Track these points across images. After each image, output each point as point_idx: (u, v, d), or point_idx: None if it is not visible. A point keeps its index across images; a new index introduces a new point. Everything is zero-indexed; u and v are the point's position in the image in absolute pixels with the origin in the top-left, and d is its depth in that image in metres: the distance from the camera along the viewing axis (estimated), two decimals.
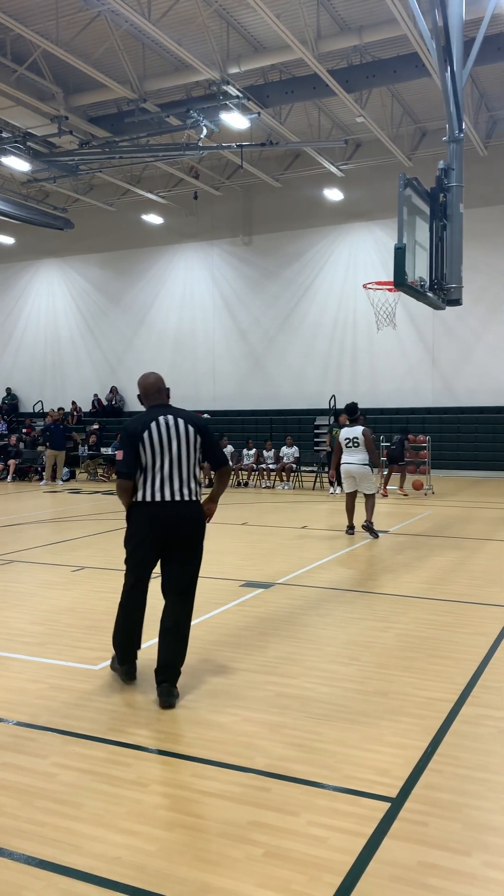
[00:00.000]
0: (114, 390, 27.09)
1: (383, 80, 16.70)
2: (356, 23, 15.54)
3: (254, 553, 9.42)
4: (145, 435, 4.52)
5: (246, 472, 18.82)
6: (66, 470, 19.98)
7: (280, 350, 24.75)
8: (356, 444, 10.43)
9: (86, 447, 21.06)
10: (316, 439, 22.43)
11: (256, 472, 18.71)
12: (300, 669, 5.01)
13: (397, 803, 3.29)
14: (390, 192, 22.09)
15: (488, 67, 17.45)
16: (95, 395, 27.22)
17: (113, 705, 4.40)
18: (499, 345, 21.61)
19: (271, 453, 18.74)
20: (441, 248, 8.85)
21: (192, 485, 4.60)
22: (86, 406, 27.25)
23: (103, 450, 20.52)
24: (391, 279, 8.53)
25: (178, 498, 4.52)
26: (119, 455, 4.59)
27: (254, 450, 18.91)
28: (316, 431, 22.64)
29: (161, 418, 4.58)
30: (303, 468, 18.45)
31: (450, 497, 15.78)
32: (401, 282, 8.07)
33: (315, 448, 20.83)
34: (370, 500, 10.50)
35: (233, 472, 18.58)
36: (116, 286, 27.40)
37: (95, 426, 22.73)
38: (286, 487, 17.97)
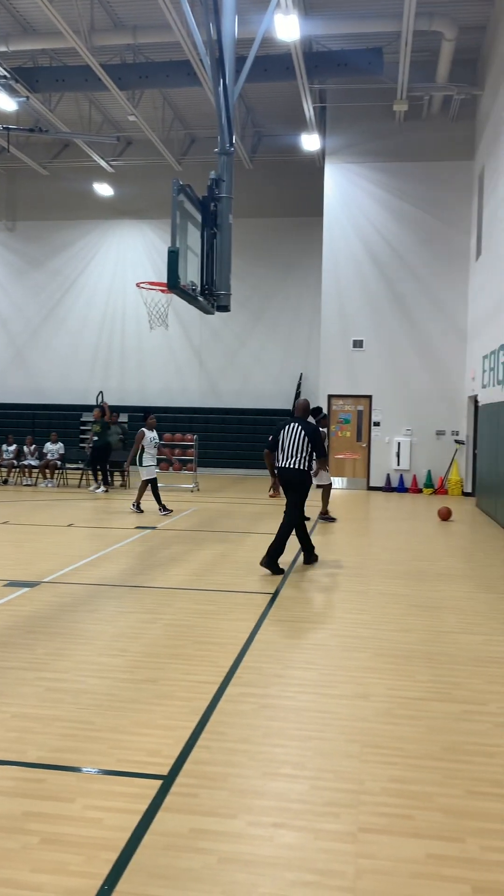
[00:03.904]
0: None
1: (155, 83, 16.90)
2: (131, 22, 15.60)
3: (17, 552, 9.15)
4: (282, 430, 8.36)
5: (6, 470, 18.05)
6: None
7: (44, 342, 24.04)
8: None
9: None
10: (82, 435, 22.08)
11: (17, 469, 18.03)
12: (70, 664, 5.02)
13: (169, 780, 3.48)
14: (161, 192, 22.37)
15: (255, 86, 18.38)
16: None
17: None
18: (260, 351, 22.83)
19: (32, 448, 18.17)
20: (212, 256, 9.22)
21: (299, 461, 8.17)
22: None
23: None
24: (162, 279, 8.77)
25: (289, 466, 8.23)
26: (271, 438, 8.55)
27: (14, 445, 18.19)
28: (82, 427, 22.29)
29: (292, 424, 8.36)
30: (68, 465, 18.11)
31: (214, 494, 16.40)
32: (174, 284, 8.29)
33: (80, 444, 20.49)
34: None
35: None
36: None
37: None
38: (50, 485, 17.53)
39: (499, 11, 14.40)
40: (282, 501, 8.59)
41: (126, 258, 23.57)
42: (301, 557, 8.87)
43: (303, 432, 8.20)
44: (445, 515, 12.81)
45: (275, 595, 7.14)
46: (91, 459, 16.79)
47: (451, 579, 8.08)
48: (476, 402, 16.43)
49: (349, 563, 8.81)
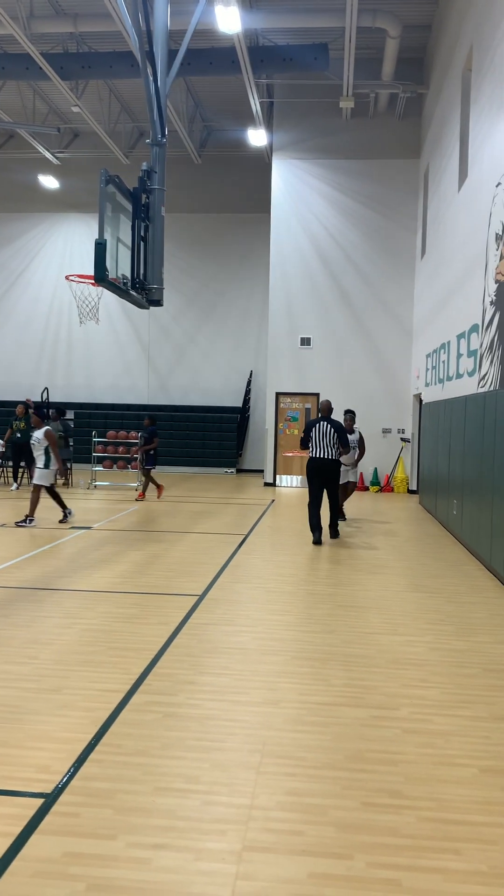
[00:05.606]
0: None
1: (99, 74, 16.55)
2: (72, 9, 15.26)
3: None
4: (313, 428, 10.15)
5: None
6: None
7: None
8: None
9: None
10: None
11: None
12: None
13: (52, 798, 3.30)
14: None
15: (204, 80, 18.18)
16: None
17: None
18: (209, 347, 22.63)
19: None
20: (143, 249, 9.02)
21: (330, 451, 10.06)
22: None
23: None
24: None
25: (323, 456, 10.07)
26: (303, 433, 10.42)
27: None
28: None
29: (322, 422, 10.16)
30: (8, 463, 17.64)
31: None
32: (101, 277, 8.08)
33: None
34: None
35: None
36: None
37: None
38: None
39: (442, 11, 14.42)
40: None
41: (73, 253, 23.16)
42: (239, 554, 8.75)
43: (332, 429, 10.13)
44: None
45: (202, 597, 6.99)
46: (12, 456, 16.40)
47: (382, 578, 8.02)
48: (420, 400, 16.48)
49: (285, 563, 8.70)
